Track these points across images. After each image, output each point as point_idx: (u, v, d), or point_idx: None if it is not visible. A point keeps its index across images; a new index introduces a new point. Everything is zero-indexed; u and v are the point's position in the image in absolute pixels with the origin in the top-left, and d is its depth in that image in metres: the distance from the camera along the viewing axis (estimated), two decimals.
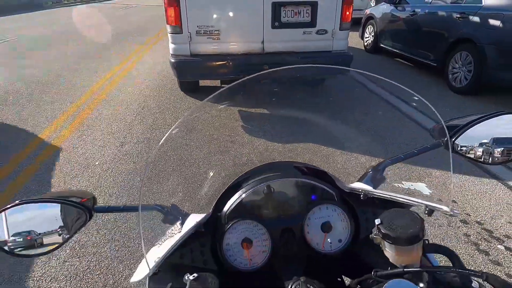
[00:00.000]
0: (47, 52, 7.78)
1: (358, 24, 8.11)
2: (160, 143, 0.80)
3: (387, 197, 0.77)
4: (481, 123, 0.85)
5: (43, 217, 0.73)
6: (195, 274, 0.61)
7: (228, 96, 0.94)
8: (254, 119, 3.96)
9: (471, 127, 0.85)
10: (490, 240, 2.14)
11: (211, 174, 1.20)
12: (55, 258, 2.01)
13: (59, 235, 0.73)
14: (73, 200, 0.74)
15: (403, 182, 0.89)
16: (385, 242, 0.62)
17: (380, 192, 0.79)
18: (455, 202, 2.50)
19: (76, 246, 2.10)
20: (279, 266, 0.82)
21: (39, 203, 0.73)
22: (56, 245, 0.73)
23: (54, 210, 0.73)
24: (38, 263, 1.97)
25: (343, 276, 0.85)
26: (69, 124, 3.88)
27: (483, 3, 4.42)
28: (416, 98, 0.86)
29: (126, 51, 7.85)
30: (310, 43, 3.83)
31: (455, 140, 0.86)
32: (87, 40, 9.25)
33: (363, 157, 3.12)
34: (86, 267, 1.95)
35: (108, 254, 2.04)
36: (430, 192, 0.81)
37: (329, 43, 3.87)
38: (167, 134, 0.80)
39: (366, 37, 7.54)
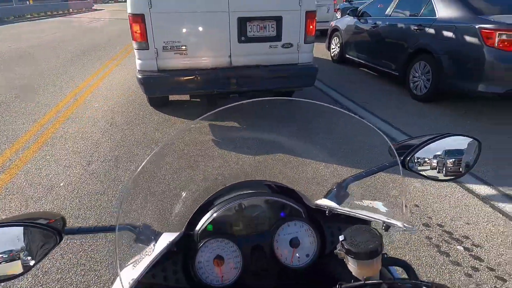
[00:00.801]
0: (9, 68, 7.48)
1: (325, 35, 8.39)
2: (139, 168, 0.80)
3: (350, 214, 0.82)
4: (432, 143, 0.94)
5: (4, 242, 0.68)
6: None
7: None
8: (225, 132, 3.98)
9: (423, 147, 0.94)
10: (450, 242, 2.25)
11: (184, 194, 1.22)
12: None
13: (22, 261, 0.68)
14: (40, 222, 0.71)
15: (363, 200, 0.95)
16: (348, 257, 0.66)
17: (343, 210, 0.84)
18: (418, 206, 2.62)
19: (39, 273, 2.01)
20: (251, 281, 0.85)
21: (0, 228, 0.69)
22: (19, 272, 0.69)
23: (17, 235, 0.68)
24: None
25: None
26: (32, 144, 3.74)
27: (437, 16, 4.71)
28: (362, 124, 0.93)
29: (93, 67, 7.69)
30: (276, 57, 3.93)
31: (409, 159, 0.94)
32: (51, 56, 8.99)
33: (332, 166, 3.21)
34: None
35: (74, 280, 1.97)
36: (386, 209, 0.87)
37: (295, 56, 3.98)
38: (146, 160, 0.81)
39: (332, 48, 7.80)
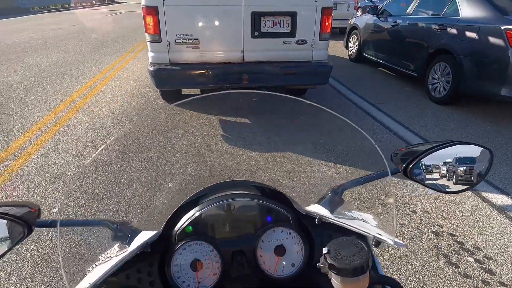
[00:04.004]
0: (29, 58, 7.66)
1: (344, 33, 8.21)
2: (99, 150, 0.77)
3: (339, 224, 0.76)
4: (438, 151, 0.85)
5: None
6: None
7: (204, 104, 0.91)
8: (234, 128, 3.94)
9: (427, 155, 0.85)
10: (460, 252, 2.14)
11: (170, 185, 1.17)
12: (16, 274, 1.93)
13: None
14: (14, 213, 0.68)
15: (352, 211, 0.88)
16: (331, 272, 0.60)
17: (333, 219, 0.78)
18: (428, 213, 2.50)
19: (39, 261, 2.02)
20: None
21: None
22: None
23: None
24: None
25: None
26: (44, 133, 3.80)
27: (460, 16, 4.52)
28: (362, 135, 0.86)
29: (110, 58, 7.78)
30: (290, 53, 3.85)
31: (411, 167, 0.86)
32: (70, 47, 9.15)
33: (341, 166, 3.12)
34: (48, 284, 1.88)
35: (72, 270, 1.97)
36: (376, 223, 0.80)
37: (309, 53, 3.88)
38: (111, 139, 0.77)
39: (350, 47, 7.63)
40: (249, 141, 3.59)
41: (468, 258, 2.09)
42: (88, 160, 0.79)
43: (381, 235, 0.68)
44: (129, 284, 0.76)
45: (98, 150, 0.75)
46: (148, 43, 3.69)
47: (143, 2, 3.48)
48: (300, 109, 4.27)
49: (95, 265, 0.73)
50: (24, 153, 3.34)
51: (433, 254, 2.12)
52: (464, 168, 0.87)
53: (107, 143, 0.77)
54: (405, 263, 2.05)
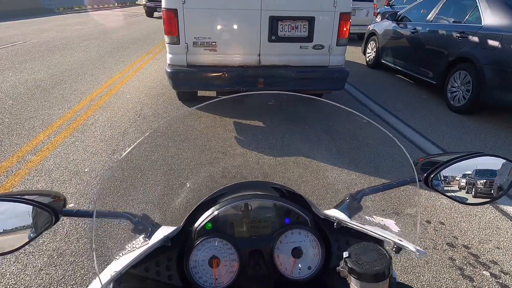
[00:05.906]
0: (52, 57, 7.89)
1: (362, 39, 8.15)
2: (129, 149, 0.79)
3: (359, 229, 0.76)
4: (460, 162, 0.84)
5: (6, 215, 0.69)
6: None
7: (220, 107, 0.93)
8: (248, 131, 3.95)
9: (450, 165, 0.85)
10: (475, 266, 2.08)
11: (188, 185, 1.19)
12: (31, 266, 1.99)
13: (16, 237, 0.69)
14: (41, 200, 0.71)
15: (374, 216, 0.88)
16: (351, 276, 0.60)
17: (353, 223, 0.78)
18: (443, 223, 2.45)
19: (54, 255, 2.08)
20: (246, 287, 0.80)
21: (2, 201, 0.69)
22: (20, 245, 0.70)
23: (20, 209, 0.69)
24: (13, 270, 1.95)
25: None
26: (64, 130, 3.90)
27: (482, 23, 4.42)
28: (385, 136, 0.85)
29: (129, 59, 7.94)
30: (307, 58, 3.84)
31: (433, 177, 0.85)
32: (92, 47, 9.39)
33: (354, 173, 3.09)
34: (62, 277, 1.93)
35: (86, 264, 2.02)
36: (398, 230, 0.80)
37: (326, 58, 3.87)
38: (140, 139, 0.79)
39: (368, 53, 7.56)
40: (263, 145, 3.60)
41: (484, 272, 2.04)
42: (123, 155, 0.80)
43: (402, 241, 0.67)
44: (148, 276, 0.78)
45: (134, 145, 0.77)
46: (166, 44, 3.76)
47: (163, 5, 3.55)
48: (316, 113, 4.25)
49: (122, 254, 0.75)
50: (44, 148, 3.44)
51: (447, 266, 2.07)
52: (484, 180, 0.85)
53: (142, 137, 0.78)
54: (417, 274, 2.01)
